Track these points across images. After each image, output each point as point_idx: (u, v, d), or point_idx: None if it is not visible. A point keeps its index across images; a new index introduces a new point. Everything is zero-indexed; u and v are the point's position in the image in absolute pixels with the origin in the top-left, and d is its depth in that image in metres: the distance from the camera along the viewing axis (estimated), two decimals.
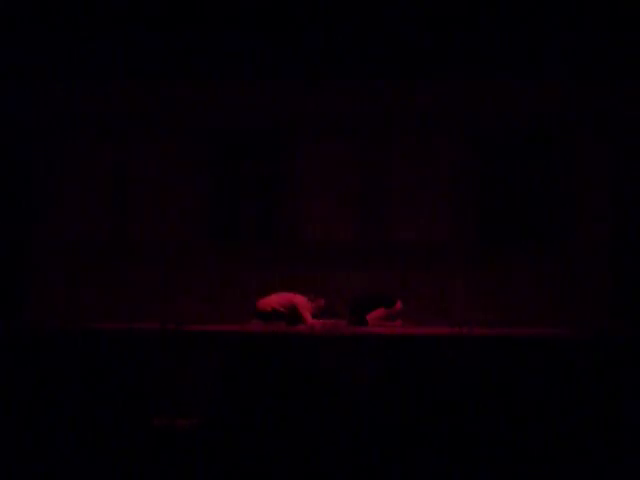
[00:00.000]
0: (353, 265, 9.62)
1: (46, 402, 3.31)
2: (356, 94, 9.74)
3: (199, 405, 3.92)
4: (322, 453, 3.24)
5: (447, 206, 9.77)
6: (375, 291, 8.88)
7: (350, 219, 9.80)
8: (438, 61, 9.38)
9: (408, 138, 9.82)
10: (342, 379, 3.84)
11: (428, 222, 9.74)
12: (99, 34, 9.34)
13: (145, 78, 9.62)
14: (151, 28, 9.33)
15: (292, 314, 8.35)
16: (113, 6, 9.23)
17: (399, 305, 8.62)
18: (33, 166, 9.79)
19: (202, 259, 9.76)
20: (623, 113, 9.59)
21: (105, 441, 3.10)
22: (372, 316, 8.48)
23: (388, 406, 3.51)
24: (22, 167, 9.70)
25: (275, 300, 8.46)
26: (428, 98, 9.70)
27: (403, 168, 9.81)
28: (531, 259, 9.68)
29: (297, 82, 9.67)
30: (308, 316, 8.29)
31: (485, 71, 9.41)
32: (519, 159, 9.86)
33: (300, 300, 8.43)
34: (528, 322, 8.99)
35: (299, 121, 9.83)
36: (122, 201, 9.86)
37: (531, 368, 3.85)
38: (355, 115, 9.77)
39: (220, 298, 9.45)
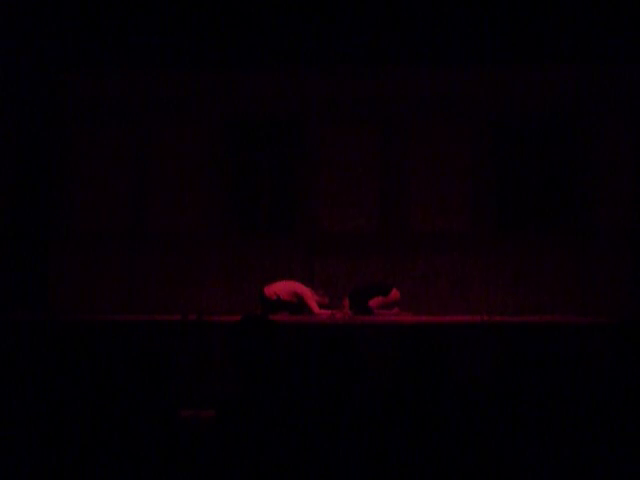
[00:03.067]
0: (373, 254, 9.60)
1: (71, 393, 3.32)
2: (376, 80, 9.69)
3: (222, 395, 3.91)
4: (343, 443, 3.23)
5: (467, 194, 9.73)
6: (372, 281, 8.95)
7: (370, 208, 9.77)
8: (459, 47, 9.32)
9: (428, 125, 9.77)
10: (363, 368, 3.81)
11: (448, 210, 9.70)
12: (121, 23, 9.34)
13: (162, 67, 9.62)
14: (171, 17, 9.33)
15: (298, 303, 8.36)
16: None
17: (395, 293, 8.72)
18: (53, 155, 9.83)
19: (221, 249, 9.76)
20: None
21: (131, 434, 3.11)
22: (371, 304, 8.57)
23: (408, 395, 3.49)
24: (42, 157, 9.75)
25: (281, 288, 8.45)
26: (448, 84, 9.65)
27: (423, 156, 9.77)
28: (552, 246, 9.62)
29: (317, 68, 9.62)
30: (315, 306, 8.30)
31: (504, 57, 9.34)
32: (539, 145, 9.80)
33: (306, 290, 8.44)
34: (550, 309, 8.97)
35: (318, 109, 9.80)
36: (141, 191, 9.88)
37: (553, 355, 3.82)
38: (375, 102, 9.72)
39: (239, 288, 9.45)
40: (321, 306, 8.40)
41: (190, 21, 9.38)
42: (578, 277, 9.50)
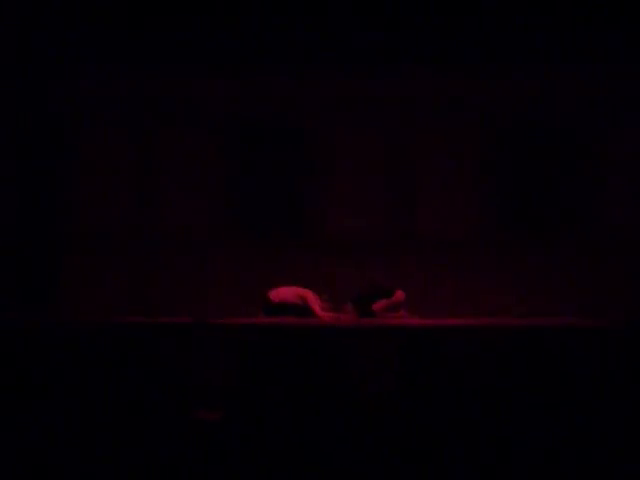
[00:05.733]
0: (379, 257, 9.59)
1: (80, 394, 3.33)
2: (382, 80, 9.68)
3: (228, 397, 3.91)
4: (339, 443, 3.23)
5: (473, 197, 9.72)
6: (375, 284, 8.89)
7: (376, 211, 9.77)
8: (466, 50, 9.31)
9: (434, 129, 9.76)
10: (367, 370, 3.81)
11: (454, 213, 9.69)
12: (124, 23, 9.35)
13: (163, 65, 9.62)
14: (166, 15, 9.34)
15: (302, 307, 8.38)
16: None
17: (399, 295, 8.65)
18: (58, 156, 9.83)
19: (227, 252, 9.77)
20: None
21: (143, 435, 3.12)
22: (376, 307, 8.54)
23: (412, 399, 3.49)
24: (45, 158, 9.76)
25: (285, 292, 8.48)
26: (454, 86, 9.64)
27: (429, 159, 9.77)
28: (558, 249, 9.61)
29: (320, 66, 9.62)
30: (318, 309, 8.33)
31: (508, 60, 9.34)
32: (546, 147, 9.78)
33: (309, 294, 8.46)
34: (557, 312, 8.94)
35: (323, 109, 9.79)
36: (145, 192, 9.89)
37: (561, 358, 3.80)
38: (380, 104, 9.72)
39: (245, 290, 9.44)
40: (324, 310, 8.42)
41: (193, 22, 9.39)
42: (584, 280, 9.48)
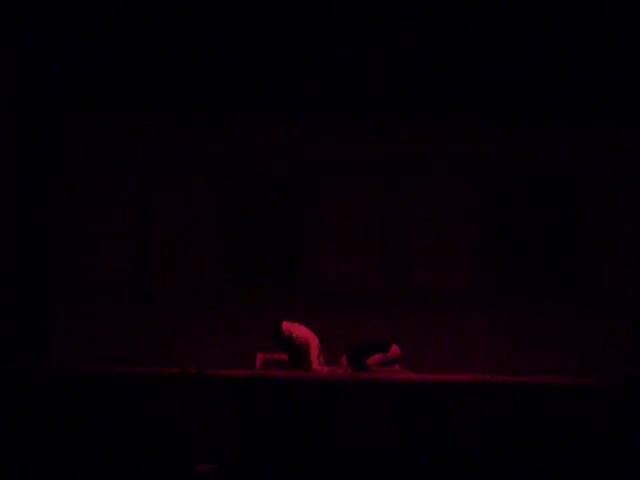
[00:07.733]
0: (375, 311, 9.59)
1: (71, 442, 3.31)
2: (378, 138, 9.81)
3: (220, 449, 3.90)
4: None
5: (469, 252, 9.76)
6: (371, 338, 8.89)
7: (371, 265, 9.80)
8: (460, 107, 9.44)
9: (431, 184, 9.84)
10: (361, 425, 3.81)
11: (451, 268, 9.72)
12: (128, 77, 9.48)
13: (166, 124, 9.74)
14: (177, 73, 9.48)
15: (303, 351, 8.39)
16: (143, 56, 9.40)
17: (395, 350, 8.66)
18: (56, 209, 9.88)
19: (222, 303, 9.76)
20: None
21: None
22: (370, 362, 8.54)
23: (405, 454, 3.50)
24: (43, 207, 9.80)
25: (298, 330, 8.52)
26: (452, 144, 9.76)
27: (426, 214, 9.83)
28: (554, 306, 9.62)
29: (317, 127, 9.76)
30: (315, 360, 8.34)
31: (508, 119, 9.47)
32: (543, 205, 9.86)
33: (315, 343, 8.47)
34: (550, 368, 8.93)
35: (321, 166, 9.90)
36: (143, 245, 9.92)
37: (554, 416, 3.81)
38: (377, 160, 9.82)
39: (239, 342, 9.42)
40: (320, 363, 8.42)
41: (195, 77, 9.52)
42: (579, 337, 9.49)
